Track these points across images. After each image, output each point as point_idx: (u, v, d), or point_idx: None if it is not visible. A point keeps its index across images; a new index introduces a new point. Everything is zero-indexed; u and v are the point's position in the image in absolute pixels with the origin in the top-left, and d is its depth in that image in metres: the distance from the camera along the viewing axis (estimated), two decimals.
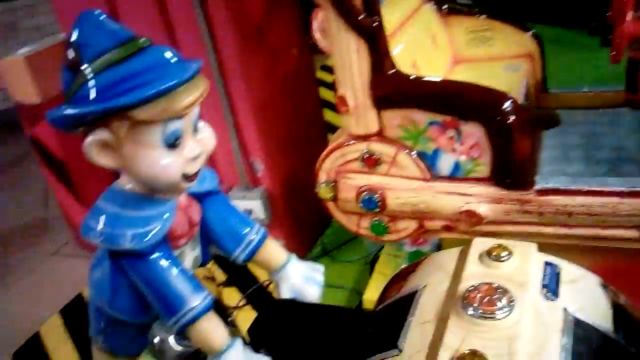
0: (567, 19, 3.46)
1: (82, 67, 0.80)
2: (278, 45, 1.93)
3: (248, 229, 1.01)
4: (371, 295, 1.65)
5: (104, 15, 0.83)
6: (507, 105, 1.30)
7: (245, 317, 1.12)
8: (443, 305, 0.84)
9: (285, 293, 1.02)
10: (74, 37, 0.82)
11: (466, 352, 0.73)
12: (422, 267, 0.98)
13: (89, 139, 0.82)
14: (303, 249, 2.02)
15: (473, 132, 1.33)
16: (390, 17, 1.50)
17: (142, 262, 0.87)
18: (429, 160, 1.40)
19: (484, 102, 1.34)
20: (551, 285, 0.87)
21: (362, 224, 1.52)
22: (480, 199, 1.36)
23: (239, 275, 1.23)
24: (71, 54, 0.82)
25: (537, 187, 1.32)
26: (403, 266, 1.07)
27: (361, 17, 1.31)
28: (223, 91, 1.80)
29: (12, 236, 2.78)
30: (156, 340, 0.94)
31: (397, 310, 0.88)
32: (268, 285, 1.18)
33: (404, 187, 1.41)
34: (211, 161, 1.09)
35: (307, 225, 2.07)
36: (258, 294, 1.07)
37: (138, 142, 0.83)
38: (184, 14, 1.75)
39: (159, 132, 0.82)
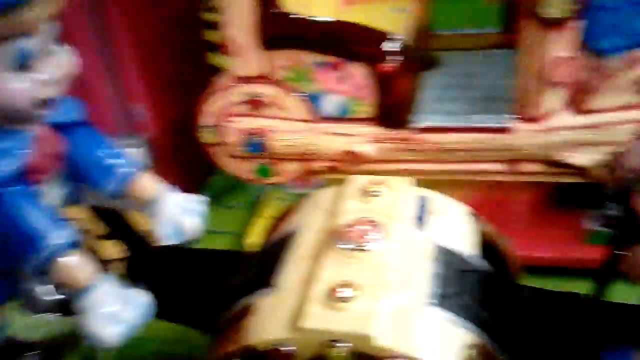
0: None
1: None
2: None
3: (118, 160, 0.93)
4: (253, 239, 1.65)
5: None
6: (389, 45, 1.32)
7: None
8: (319, 242, 0.85)
9: (162, 227, 0.96)
10: None
11: (339, 283, 0.75)
12: (300, 207, 0.99)
13: None
14: None
15: (356, 72, 1.34)
16: None
17: None
18: (314, 101, 1.40)
19: (367, 43, 1.35)
20: (422, 217, 0.91)
21: (247, 168, 1.51)
22: (364, 139, 1.39)
23: (120, 228, 1.20)
24: None
25: (417, 125, 1.37)
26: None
27: None
28: (102, 33, 1.69)
29: None
30: (25, 288, 0.89)
31: (274, 250, 0.89)
32: (147, 236, 1.15)
33: (289, 129, 1.41)
34: (90, 107, 1.02)
35: (192, 171, 2.02)
36: (138, 245, 1.04)
37: None
38: None
39: (5, 52, 0.74)
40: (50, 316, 0.94)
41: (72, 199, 0.96)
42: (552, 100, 1.31)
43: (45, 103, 0.81)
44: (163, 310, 0.87)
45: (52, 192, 0.91)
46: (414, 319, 0.76)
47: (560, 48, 1.27)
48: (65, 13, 0.83)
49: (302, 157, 1.44)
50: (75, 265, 0.82)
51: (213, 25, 1.94)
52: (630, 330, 0.85)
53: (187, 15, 1.98)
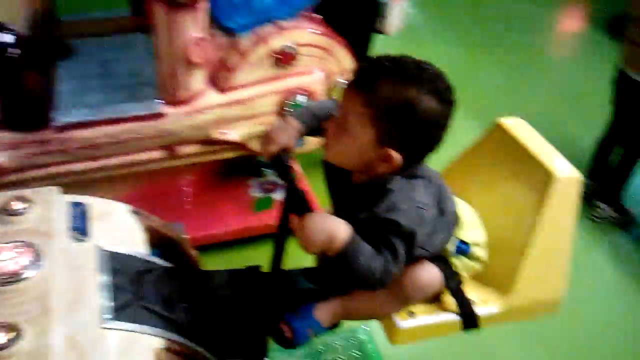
0: None
1: None
2: None
3: None
4: None
5: None
6: (4, 37, 1.14)
7: None
8: None
9: None
10: None
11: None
12: None
13: None
14: None
15: None
16: None
17: None
18: None
19: None
20: (80, 226, 0.81)
21: None
22: None
23: None
24: None
25: (57, 124, 1.23)
26: None
27: None
28: None
29: None
30: None
31: None
32: None
33: None
34: None
35: None
36: None
37: None
38: None
39: None
40: None
41: None
42: (196, 81, 1.32)
43: None
44: None
45: None
46: (92, 342, 0.68)
47: (193, 29, 1.27)
48: None
49: None
50: None
51: None
52: (307, 291, 0.92)
53: None
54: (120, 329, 0.71)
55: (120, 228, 0.87)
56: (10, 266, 0.70)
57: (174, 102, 1.31)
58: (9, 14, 1.34)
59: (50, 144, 1.21)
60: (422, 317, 0.90)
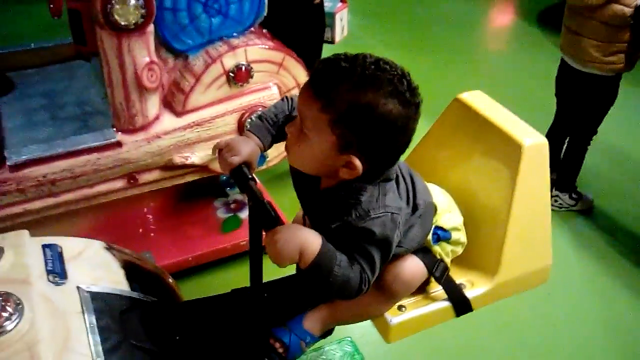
0: None
1: None
2: None
3: None
4: None
5: None
6: None
7: None
8: None
9: None
10: None
11: None
12: None
13: None
14: None
15: None
16: None
17: None
18: None
19: None
20: (57, 269, 0.78)
21: None
22: None
23: None
24: None
25: (9, 162, 1.18)
26: None
27: None
28: None
29: None
30: None
31: None
32: None
33: None
34: None
35: None
36: None
37: None
38: None
39: None
40: None
41: None
42: (151, 106, 1.29)
43: None
44: None
45: None
46: None
47: (143, 54, 1.24)
48: None
49: None
50: None
51: None
52: (298, 298, 0.90)
53: None
54: None
55: (97, 266, 0.84)
56: None
57: (130, 129, 1.28)
58: None
59: (5, 184, 1.16)
60: (413, 310, 0.89)
